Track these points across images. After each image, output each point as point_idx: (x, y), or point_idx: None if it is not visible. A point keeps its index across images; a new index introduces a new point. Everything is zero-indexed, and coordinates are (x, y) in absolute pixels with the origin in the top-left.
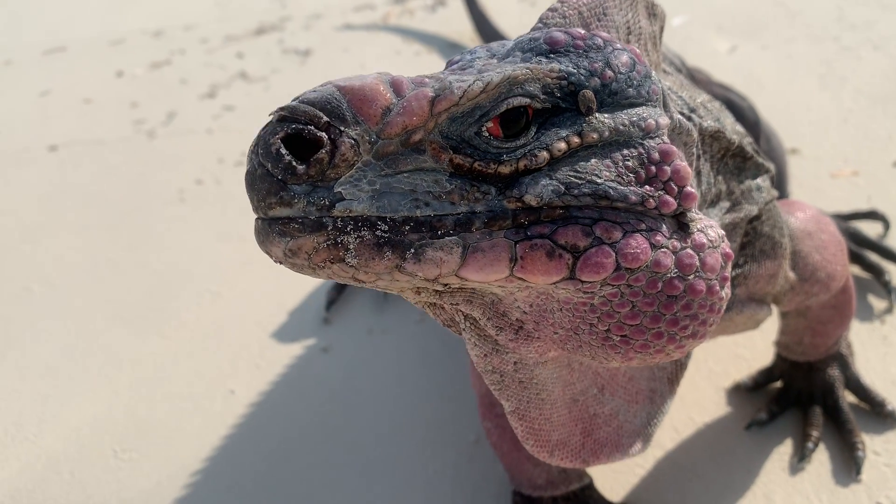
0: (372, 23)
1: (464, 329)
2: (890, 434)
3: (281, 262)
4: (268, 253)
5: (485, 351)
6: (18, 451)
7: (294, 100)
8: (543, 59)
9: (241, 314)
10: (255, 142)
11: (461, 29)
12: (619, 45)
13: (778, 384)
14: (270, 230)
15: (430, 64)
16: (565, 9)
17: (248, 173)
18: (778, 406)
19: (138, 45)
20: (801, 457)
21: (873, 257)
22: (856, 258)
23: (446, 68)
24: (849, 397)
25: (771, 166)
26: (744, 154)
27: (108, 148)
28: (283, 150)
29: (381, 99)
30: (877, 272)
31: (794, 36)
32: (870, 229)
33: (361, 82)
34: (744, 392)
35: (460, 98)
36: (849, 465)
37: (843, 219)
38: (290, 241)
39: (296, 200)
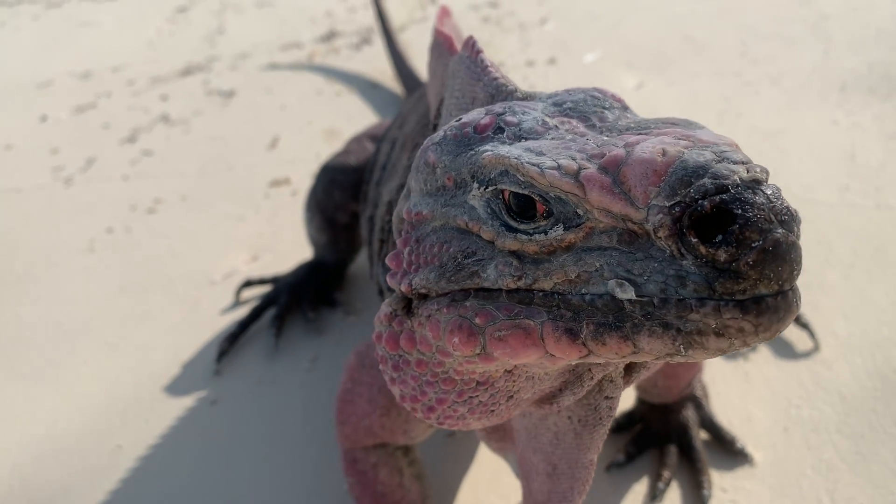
0: (297, 62)
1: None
2: (739, 471)
3: (763, 339)
4: (777, 331)
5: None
6: None
7: (718, 177)
8: None
9: (135, 367)
10: (752, 222)
11: (383, 68)
12: None
13: (638, 426)
14: (793, 300)
15: (350, 104)
16: None
17: (776, 245)
18: (636, 447)
19: (65, 88)
20: (653, 496)
21: None
22: None
23: (494, 126)
24: (704, 436)
25: None
26: None
27: (24, 196)
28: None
29: None
30: None
31: (699, 71)
32: None
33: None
34: (608, 434)
35: None
36: (697, 502)
37: None
38: (798, 304)
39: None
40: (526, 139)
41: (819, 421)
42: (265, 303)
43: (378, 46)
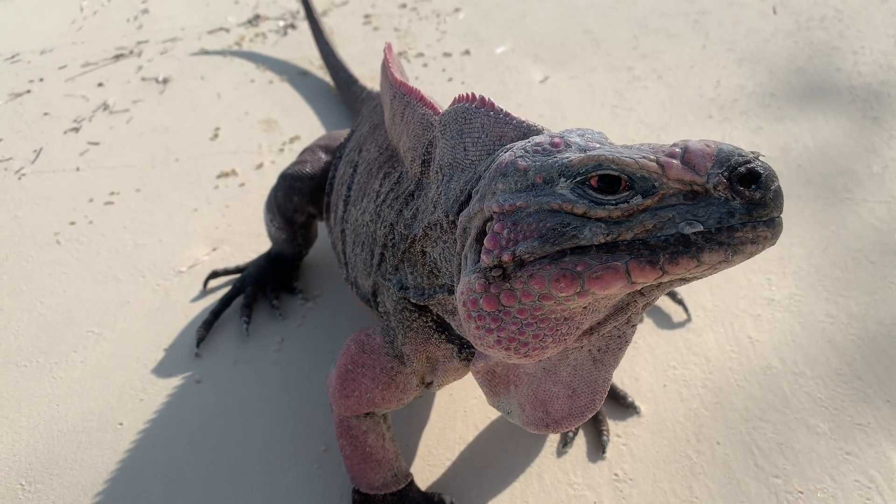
0: (226, 47)
1: (632, 313)
2: (630, 420)
3: (771, 245)
4: (776, 238)
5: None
6: None
7: (742, 156)
8: None
9: (122, 353)
10: (768, 176)
11: (311, 55)
12: None
13: None
14: (782, 222)
15: (283, 93)
16: None
17: (775, 192)
18: None
19: None
20: (564, 443)
21: None
22: None
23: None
24: None
25: None
26: None
27: None
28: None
29: None
30: None
31: (596, 66)
32: None
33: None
34: None
35: None
36: (598, 447)
37: None
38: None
39: None
40: (587, 151)
41: (689, 378)
42: (233, 292)
43: (303, 31)
